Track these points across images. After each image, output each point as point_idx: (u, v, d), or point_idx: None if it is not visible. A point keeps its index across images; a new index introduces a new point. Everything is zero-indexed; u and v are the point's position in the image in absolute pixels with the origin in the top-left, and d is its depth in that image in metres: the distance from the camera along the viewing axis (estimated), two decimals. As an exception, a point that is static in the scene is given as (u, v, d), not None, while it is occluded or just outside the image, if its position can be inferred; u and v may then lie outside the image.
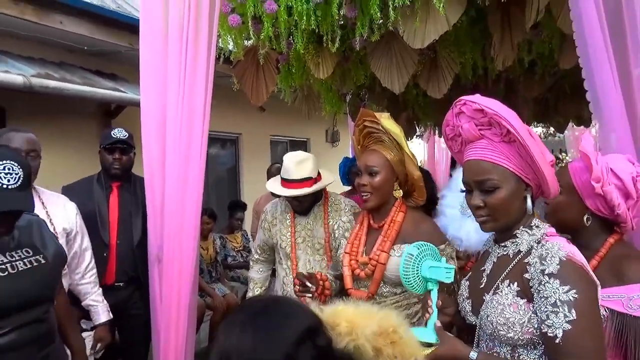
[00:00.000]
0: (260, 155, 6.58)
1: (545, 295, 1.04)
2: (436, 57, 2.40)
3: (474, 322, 1.22)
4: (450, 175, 2.51)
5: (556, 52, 2.40)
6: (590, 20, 1.48)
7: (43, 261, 1.51)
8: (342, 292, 1.87)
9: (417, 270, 1.34)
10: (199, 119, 1.98)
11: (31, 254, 1.49)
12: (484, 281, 1.22)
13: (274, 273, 2.37)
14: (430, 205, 2.04)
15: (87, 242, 2.16)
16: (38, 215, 1.66)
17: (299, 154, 2.08)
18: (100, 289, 2.20)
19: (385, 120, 1.73)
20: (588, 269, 1.07)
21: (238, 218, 4.68)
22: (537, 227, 1.17)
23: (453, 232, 1.80)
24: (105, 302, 2.19)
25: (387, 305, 1.73)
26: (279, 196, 2.23)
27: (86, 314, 2.19)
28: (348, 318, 1.04)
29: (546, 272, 1.05)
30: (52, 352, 1.52)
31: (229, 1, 2.09)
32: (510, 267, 1.15)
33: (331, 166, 4.21)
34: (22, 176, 1.36)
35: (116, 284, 2.41)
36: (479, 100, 1.14)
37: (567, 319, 1.01)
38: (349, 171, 3.62)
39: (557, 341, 1.02)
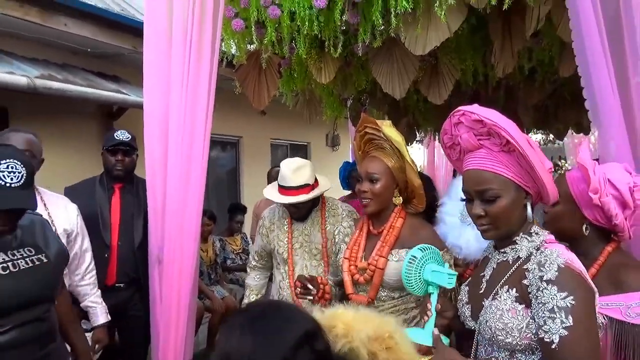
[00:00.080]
0: (260, 159, 6.59)
1: (543, 301, 1.06)
2: (437, 63, 2.42)
3: (473, 327, 1.23)
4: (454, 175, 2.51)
5: (556, 60, 2.41)
6: (589, 29, 1.50)
7: (45, 260, 1.52)
8: (343, 298, 1.88)
9: (419, 273, 1.35)
10: (201, 121, 2.00)
11: (33, 253, 1.50)
12: (484, 287, 1.23)
13: (271, 278, 2.38)
14: (431, 212, 2.05)
15: (87, 243, 2.16)
16: (42, 215, 1.67)
17: (296, 161, 2.08)
18: (99, 290, 2.20)
19: (387, 128, 1.75)
20: (586, 276, 1.09)
21: (238, 221, 4.69)
22: (537, 234, 1.18)
23: (452, 240, 1.81)
24: (103, 303, 2.20)
25: (385, 310, 1.75)
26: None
27: (85, 315, 2.19)
28: (345, 321, 1.06)
29: (544, 278, 1.07)
30: (53, 350, 1.53)
31: (232, 6, 2.11)
32: (509, 273, 1.16)
33: (331, 170, 4.24)
34: (24, 175, 1.37)
35: (117, 285, 2.42)
36: (477, 110, 1.15)
37: (563, 325, 1.02)
38: (349, 175, 3.64)
39: (553, 346, 1.03)
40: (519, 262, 1.16)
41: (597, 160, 1.47)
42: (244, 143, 6.45)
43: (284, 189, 2.01)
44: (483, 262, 1.32)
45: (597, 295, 1.09)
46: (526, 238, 1.18)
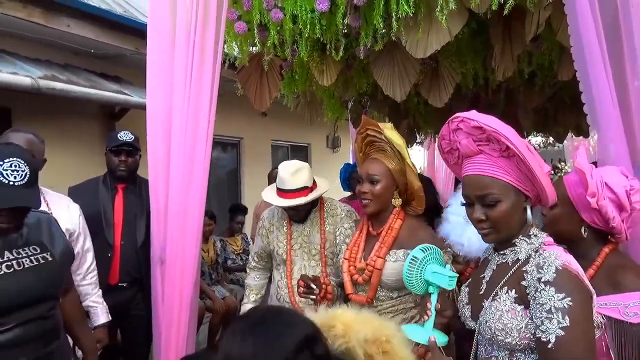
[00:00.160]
0: (261, 160, 6.61)
1: (540, 302, 1.08)
2: (438, 66, 2.44)
3: (473, 327, 1.25)
4: (455, 186, 2.53)
5: (556, 64, 2.44)
6: (587, 34, 1.52)
7: (50, 259, 1.53)
8: (344, 298, 1.90)
9: (421, 273, 1.37)
10: (204, 123, 2.01)
11: (38, 251, 1.51)
12: (484, 288, 1.25)
13: (270, 278, 2.38)
14: (431, 214, 2.07)
15: (89, 243, 2.17)
16: (49, 213, 1.68)
17: (294, 164, 2.07)
18: (100, 290, 2.21)
19: (388, 131, 1.77)
20: (583, 278, 1.11)
21: (239, 221, 4.70)
22: (536, 236, 1.20)
23: (455, 237, 1.83)
24: (104, 303, 2.21)
25: (384, 309, 1.77)
26: None
27: (86, 314, 2.21)
28: (344, 321, 1.08)
29: (542, 279, 1.08)
30: (57, 348, 1.54)
31: (235, 9, 2.13)
32: (508, 274, 1.18)
33: (332, 171, 4.26)
34: (28, 173, 1.38)
35: (119, 284, 2.43)
36: (476, 117, 1.17)
37: (560, 325, 1.04)
38: (349, 177, 3.66)
39: (549, 346, 1.05)
40: (518, 264, 1.18)
41: (594, 163, 1.49)
42: (245, 144, 6.47)
43: (282, 192, 2.01)
44: (483, 264, 1.34)
45: (594, 296, 1.11)
46: (525, 240, 1.20)
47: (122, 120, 4.31)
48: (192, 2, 1.97)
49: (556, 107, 3.65)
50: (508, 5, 1.73)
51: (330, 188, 2.14)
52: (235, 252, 4.59)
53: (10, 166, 1.35)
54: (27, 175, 1.38)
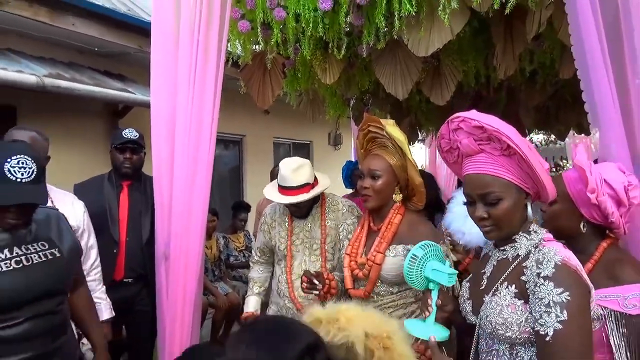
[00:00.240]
0: (263, 157, 6.64)
1: (540, 297, 1.10)
2: (440, 65, 2.45)
3: (474, 322, 1.28)
4: (459, 183, 2.55)
5: (557, 62, 2.44)
6: (588, 33, 1.53)
7: (58, 254, 1.56)
8: (345, 293, 1.93)
9: (421, 271, 1.39)
10: (208, 121, 2.02)
11: (47, 247, 1.53)
12: (484, 283, 1.27)
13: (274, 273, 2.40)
14: (432, 209, 2.09)
15: (93, 240, 2.19)
16: (57, 209, 1.70)
17: (295, 161, 2.08)
18: (104, 286, 2.23)
19: (390, 127, 1.79)
20: (582, 273, 1.13)
21: (242, 219, 4.73)
22: (535, 232, 1.22)
23: (457, 225, 1.86)
24: (108, 299, 2.23)
25: (384, 304, 1.79)
26: None
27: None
28: (348, 316, 1.10)
29: (542, 275, 1.11)
30: (64, 343, 1.57)
31: (239, 7, 2.15)
32: (509, 270, 1.20)
33: (333, 169, 4.28)
34: (35, 170, 1.40)
35: (124, 280, 2.45)
36: (477, 117, 1.18)
37: (558, 319, 1.06)
38: (351, 174, 3.69)
39: (547, 339, 1.07)
40: (518, 259, 1.20)
41: (595, 161, 1.51)
42: (247, 141, 6.49)
43: (284, 189, 2.03)
44: (483, 260, 1.36)
45: (592, 291, 1.13)
46: (525, 236, 1.22)
47: (125, 118, 4.33)
48: (195, 1, 1.98)
49: (557, 105, 3.66)
50: (509, 4, 1.75)
51: (332, 185, 2.16)
52: (238, 249, 4.62)
53: (18, 163, 1.37)
54: (34, 172, 1.40)
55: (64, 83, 3.27)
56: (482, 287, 1.27)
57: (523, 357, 1.17)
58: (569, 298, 1.07)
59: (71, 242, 1.65)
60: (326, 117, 3.52)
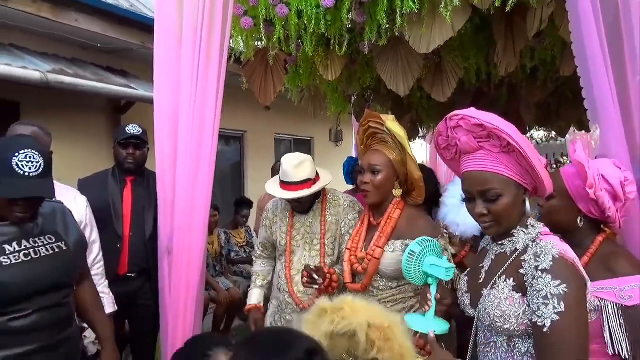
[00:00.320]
0: (264, 153, 6.65)
1: (537, 289, 1.12)
2: (441, 61, 2.46)
3: (472, 315, 1.30)
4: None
5: (558, 59, 2.45)
6: (588, 30, 1.54)
7: (64, 248, 1.58)
8: (345, 287, 1.95)
9: (419, 266, 1.42)
10: (210, 118, 2.03)
11: (53, 240, 1.56)
12: (482, 277, 1.30)
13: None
14: (431, 204, 2.11)
15: (95, 234, 2.20)
16: (63, 203, 1.72)
17: (297, 156, 2.09)
18: (107, 281, 2.25)
19: (390, 122, 1.81)
20: (578, 266, 1.15)
21: (244, 215, 4.75)
22: (533, 226, 1.24)
23: (451, 217, 1.89)
24: (111, 293, 2.25)
25: (384, 299, 1.81)
26: None
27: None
28: (353, 306, 1.13)
29: (540, 267, 1.13)
30: (70, 335, 1.60)
31: (241, 4, 2.16)
32: (507, 264, 1.23)
33: (334, 165, 4.29)
34: (42, 164, 1.42)
35: (128, 274, 2.48)
36: (477, 115, 1.19)
37: (555, 311, 1.09)
38: (352, 170, 3.70)
39: (545, 330, 1.10)
40: (516, 253, 1.22)
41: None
42: (249, 137, 6.51)
43: (285, 185, 2.04)
44: (481, 254, 1.38)
45: (588, 283, 1.16)
46: (523, 231, 1.24)
47: (128, 114, 4.35)
48: (199, -3, 2.00)
49: (558, 102, 3.67)
50: (510, 1, 1.76)
51: (333, 181, 2.17)
52: (239, 245, 4.65)
53: (25, 157, 1.39)
54: (42, 166, 1.42)
55: (67, 79, 3.29)
56: (481, 281, 1.29)
57: (521, 348, 1.20)
58: (566, 290, 1.09)
59: (77, 235, 1.67)
60: (327, 113, 3.54)
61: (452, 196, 1.98)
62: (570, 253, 1.16)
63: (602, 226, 1.44)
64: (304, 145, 7.73)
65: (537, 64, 2.66)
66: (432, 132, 5.12)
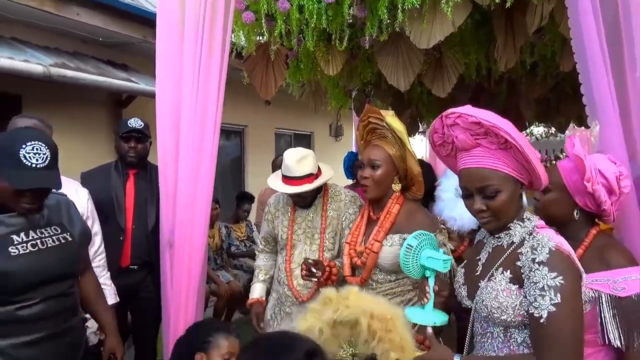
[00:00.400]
0: (265, 148, 6.67)
1: (534, 281, 1.15)
2: (441, 57, 2.47)
3: (469, 306, 1.33)
4: None
5: (558, 55, 2.46)
6: (587, 27, 1.55)
7: (70, 239, 1.61)
8: (344, 280, 1.98)
9: (416, 260, 1.44)
10: (212, 113, 2.04)
11: (59, 231, 1.58)
12: (479, 269, 1.32)
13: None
14: (428, 199, 2.13)
15: (97, 227, 2.22)
16: (66, 195, 1.74)
17: (299, 151, 2.11)
18: (109, 272, 2.27)
19: (390, 118, 1.83)
20: (574, 258, 1.18)
21: (245, 209, 4.78)
22: (529, 219, 1.27)
23: (448, 212, 1.91)
24: (112, 285, 2.27)
25: (382, 292, 1.84)
26: None
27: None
28: (358, 297, 1.16)
29: (536, 260, 1.16)
30: (75, 324, 1.63)
31: (243, -1, 2.17)
32: (504, 256, 1.25)
33: (334, 160, 4.31)
34: (49, 156, 1.44)
35: (130, 267, 2.50)
36: (474, 113, 1.21)
37: (552, 302, 1.12)
38: (352, 165, 3.72)
39: (541, 321, 1.13)
40: (513, 246, 1.25)
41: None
42: (249, 132, 6.52)
43: (288, 179, 2.06)
44: (478, 246, 1.41)
45: (583, 275, 1.19)
46: (519, 224, 1.26)
47: (129, 108, 4.37)
48: (200, -8, 2.00)
49: (558, 98, 3.67)
50: (510, -3, 1.77)
51: (333, 176, 2.19)
52: (239, 239, 4.67)
53: (32, 149, 1.41)
54: (48, 158, 1.44)
55: (70, 73, 3.31)
56: (477, 273, 1.32)
57: (517, 339, 1.23)
58: (562, 282, 1.12)
59: (81, 227, 1.70)
60: (328, 108, 3.55)
61: (447, 190, 2.00)
62: (565, 246, 1.18)
63: (596, 220, 1.47)
64: (304, 140, 7.74)
65: (537, 60, 2.67)
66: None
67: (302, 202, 2.14)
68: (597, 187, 1.36)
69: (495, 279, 1.24)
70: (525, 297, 1.18)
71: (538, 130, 9.47)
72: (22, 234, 1.49)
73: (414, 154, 1.84)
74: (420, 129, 4.94)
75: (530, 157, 1.19)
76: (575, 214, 1.44)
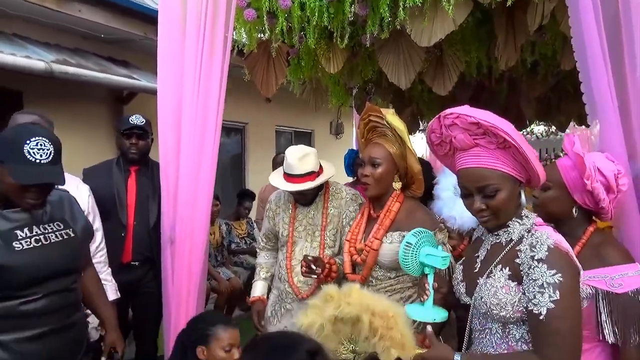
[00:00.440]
0: (265, 145, 6.67)
1: (534, 278, 1.16)
2: (442, 55, 2.47)
3: (467, 303, 1.34)
4: None
5: (559, 53, 2.46)
6: (588, 26, 1.56)
7: (72, 235, 1.62)
8: (345, 277, 1.99)
9: (416, 257, 1.46)
10: (213, 112, 2.05)
11: (62, 227, 1.60)
12: (478, 266, 1.33)
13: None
14: (426, 197, 2.14)
15: (98, 223, 2.23)
16: (68, 192, 1.75)
17: (301, 149, 2.11)
18: (109, 268, 2.28)
19: (390, 116, 1.83)
20: (572, 255, 1.19)
21: (246, 207, 4.79)
22: (527, 217, 1.28)
23: (447, 212, 1.92)
24: (113, 281, 2.28)
25: (382, 288, 1.85)
26: None
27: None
28: (360, 294, 1.17)
29: (536, 257, 1.17)
30: (77, 320, 1.65)
31: (245, -4, 2.17)
32: (502, 253, 1.26)
33: (335, 157, 4.31)
34: (52, 151, 1.45)
35: (132, 262, 2.51)
36: (473, 114, 1.22)
37: (551, 299, 1.13)
38: (353, 162, 3.72)
39: (541, 318, 1.14)
40: (511, 243, 1.26)
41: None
42: (250, 129, 6.52)
43: (290, 177, 2.06)
44: (476, 244, 1.42)
45: (581, 272, 1.20)
46: (517, 221, 1.28)
47: (130, 104, 4.37)
48: (203, -10, 2.01)
49: (559, 96, 3.68)
50: (512, -5, 1.77)
51: (334, 173, 2.20)
52: (240, 236, 4.69)
53: (37, 145, 1.42)
54: (52, 153, 1.45)
55: (71, 69, 3.31)
56: (476, 270, 1.33)
57: (515, 335, 1.24)
58: (561, 279, 1.13)
59: (83, 223, 1.71)
60: (328, 106, 3.55)
61: (446, 189, 2.00)
62: (564, 243, 1.20)
63: (592, 217, 1.49)
64: (304, 138, 7.74)
65: (537, 58, 2.67)
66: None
67: (304, 199, 2.14)
68: (596, 185, 1.38)
69: (494, 276, 1.25)
70: (524, 293, 1.19)
71: (539, 128, 9.47)
72: (25, 230, 1.50)
73: (414, 152, 1.85)
74: (421, 127, 4.94)
75: (528, 155, 1.20)
76: (574, 211, 1.45)
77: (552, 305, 1.13)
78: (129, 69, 4.22)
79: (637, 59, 1.55)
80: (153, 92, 2.18)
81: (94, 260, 2.18)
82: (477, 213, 1.28)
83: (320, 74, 2.95)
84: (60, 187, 1.60)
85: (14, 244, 1.46)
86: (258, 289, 2.28)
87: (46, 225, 1.55)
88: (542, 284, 1.14)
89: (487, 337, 1.30)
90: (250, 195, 4.85)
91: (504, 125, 1.19)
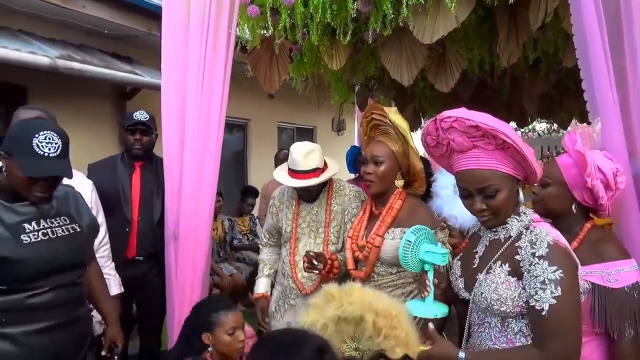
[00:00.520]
0: (268, 141, 6.68)
1: (535, 274, 1.18)
2: (444, 52, 2.48)
3: (466, 298, 1.36)
4: None
5: (561, 51, 2.47)
6: (590, 23, 1.56)
7: (78, 229, 1.64)
8: (347, 274, 2.00)
9: (415, 254, 1.47)
10: (217, 109, 2.05)
11: (68, 222, 1.62)
12: (477, 262, 1.35)
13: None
14: (425, 195, 2.15)
15: (101, 217, 2.24)
16: (74, 187, 1.77)
17: (306, 145, 2.12)
18: (113, 263, 2.30)
19: (393, 114, 1.85)
20: (570, 251, 1.22)
21: (250, 203, 4.80)
22: (524, 213, 1.30)
23: (448, 211, 1.93)
24: (117, 275, 2.30)
25: (384, 284, 1.87)
26: None
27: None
28: (361, 293, 1.18)
29: (536, 254, 1.19)
30: (83, 314, 1.67)
31: (248, -8, 2.18)
32: (502, 250, 1.28)
33: (337, 154, 4.33)
34: (60, 145, 1.47)
35: (136, 258, 2.53)
36: (471, 116, 1.23)
37: (553, 295, 1.15)
38: (355, 159, 3.74)
39: (543, 313, 1.16)
40: (510, 240, 1.28)
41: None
42: (252, 126, 6.53)
43: (294, 173, 2.07)
44: (474, 240, 1.44)
45: (580, 267, 1.22)
46: (516, 218, 1.30)
47: (133, 100, 4.38)
48: (206, -13, 2.01)
49: (561, 94, 3.69)
50: (514, -7, 1.78)
51: (338, 170, 2.21)
52: (242, 232, 4.71)
53: (45, 139, 1.44)
54: (60, 147, 1.47)
55: (76, 65, 3.33)
56: (475, 266, 1.35)
57: (514, 328, 1.26)
58: (562, 275, 1.15)
59: (89, 218, 1.73)
60: (331, 102, 3.56)
61: (445, 187, 2.01)
62: (562, 239, 1.22)
63: (590, 214, 1.51)
64: (306, 134, 7.75)
65: (539, 55, 2.68)
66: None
67: (308, 195, 2.15)
68: (596, 183, 1.39)
69: (494, 271, 1.27)
70: (524, 289, 1.21)
71: (540, 126, 9.45)
72: (33, 223, 1.52)
73: (416, 151, 1.86)
74: (423, 124, 4.95)
75: (526, 154, 1.22)
76: (572, 208, 1.47)
77: (554, 301, 1.15)
78: (132, 64, 4.23)
79: (638, 58, 1.55)
80: (156, 88, 2.19)
81: (97, 255, 2.19)
82: (477, 213, 1.30)
83: (322, 71, 2.95)
84: (65, 182, 1.61)
85: (22, 236, 1.48)
86: (261, 286, 2.29)
87: (53, 220, 1.57)
88: (544, 280, 1.16)
89: (486, 331, 1.32)
90: (254, 192, 4.87)
91: (503, 127, 1.21)
